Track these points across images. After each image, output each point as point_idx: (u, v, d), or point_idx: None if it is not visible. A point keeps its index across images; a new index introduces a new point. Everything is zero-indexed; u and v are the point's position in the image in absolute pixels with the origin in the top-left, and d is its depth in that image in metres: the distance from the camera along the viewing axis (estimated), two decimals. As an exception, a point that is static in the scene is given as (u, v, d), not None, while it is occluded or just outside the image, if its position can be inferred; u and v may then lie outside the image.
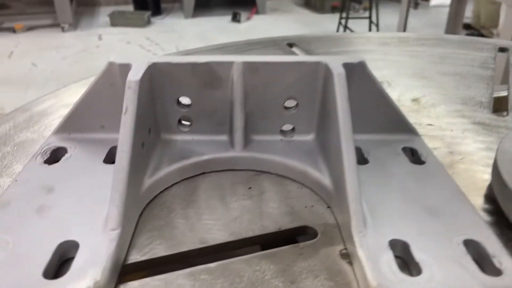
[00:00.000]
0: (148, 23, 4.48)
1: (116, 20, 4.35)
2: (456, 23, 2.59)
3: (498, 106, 0.56)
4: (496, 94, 0.57)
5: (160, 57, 0.38)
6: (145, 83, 0.36)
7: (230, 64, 0.38)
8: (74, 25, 4.31)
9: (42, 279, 0.26)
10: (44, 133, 0.45)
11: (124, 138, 0.32)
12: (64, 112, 0.47)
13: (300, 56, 0.39)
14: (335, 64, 0.37)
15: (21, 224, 0.30)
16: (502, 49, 0.69)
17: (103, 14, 4.68)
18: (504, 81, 0.61)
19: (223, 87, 0.39)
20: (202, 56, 0.39)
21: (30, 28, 4.23)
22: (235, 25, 4.51)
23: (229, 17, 4.65)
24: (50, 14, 4.23)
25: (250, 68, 0.38)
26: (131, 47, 3.91)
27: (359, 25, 4.07)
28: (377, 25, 3.96)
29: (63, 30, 4.21)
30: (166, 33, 4.31)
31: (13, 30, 4.14)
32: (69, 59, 3.63)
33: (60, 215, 0.31)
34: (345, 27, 3.92)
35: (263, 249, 0.31)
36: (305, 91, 0.40)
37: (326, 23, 4.45)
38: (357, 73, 0.38)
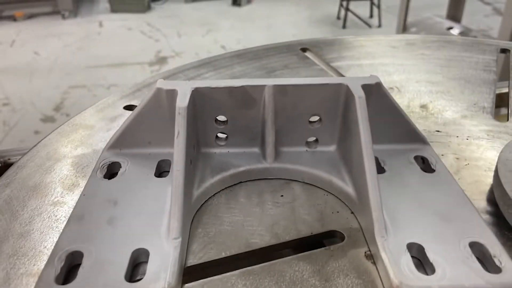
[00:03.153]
0: (148, 8, 4.47)
1: (116, 6, 4.34)
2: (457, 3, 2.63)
3: (499, 103, 0.61)
4: (497, 91, 0.61)
5: (200, 82, 0.43)
6: (190, 107, 0.41)
7: (262, 87, 0.43)
8: (75, 12, 4.31)
9: (125, 282, 0.31)
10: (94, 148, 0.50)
11: (178, 158, 0.38)
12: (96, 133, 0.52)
13: (323, 78, 0.44)
14: (356, 86, 0.42)
15: (97, 235, 0.35)
16: (504, 50, 0.73)
17: (103, 0, 4.66)
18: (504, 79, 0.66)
19: (256, 107, 0.44)
20: (237, 80, 0.44)
21: (30, 16, 4.22)
22: (236, 9, 4.49)
23: (230, 1, 4.63)
24: (50, 1, 4.22)
25: (280, 90, 0.43)
26: (133, 33, 3.91)
27: (360, 7, 4.06)
28: (378, 7, 3.95)
29: (63, 17, 4.20)
30: (167, 18, 4.30)
31: (13, 18, 4.14)
32: (72, 47, 3.64)
33: (128, 226, 0.36)
34: (346, 10, 3.92)
35: (296, 251, 0.37)
36: (328, 108, 0.45)
37: (327, 5, 4.44)
38: (374, 92, 0.43)
